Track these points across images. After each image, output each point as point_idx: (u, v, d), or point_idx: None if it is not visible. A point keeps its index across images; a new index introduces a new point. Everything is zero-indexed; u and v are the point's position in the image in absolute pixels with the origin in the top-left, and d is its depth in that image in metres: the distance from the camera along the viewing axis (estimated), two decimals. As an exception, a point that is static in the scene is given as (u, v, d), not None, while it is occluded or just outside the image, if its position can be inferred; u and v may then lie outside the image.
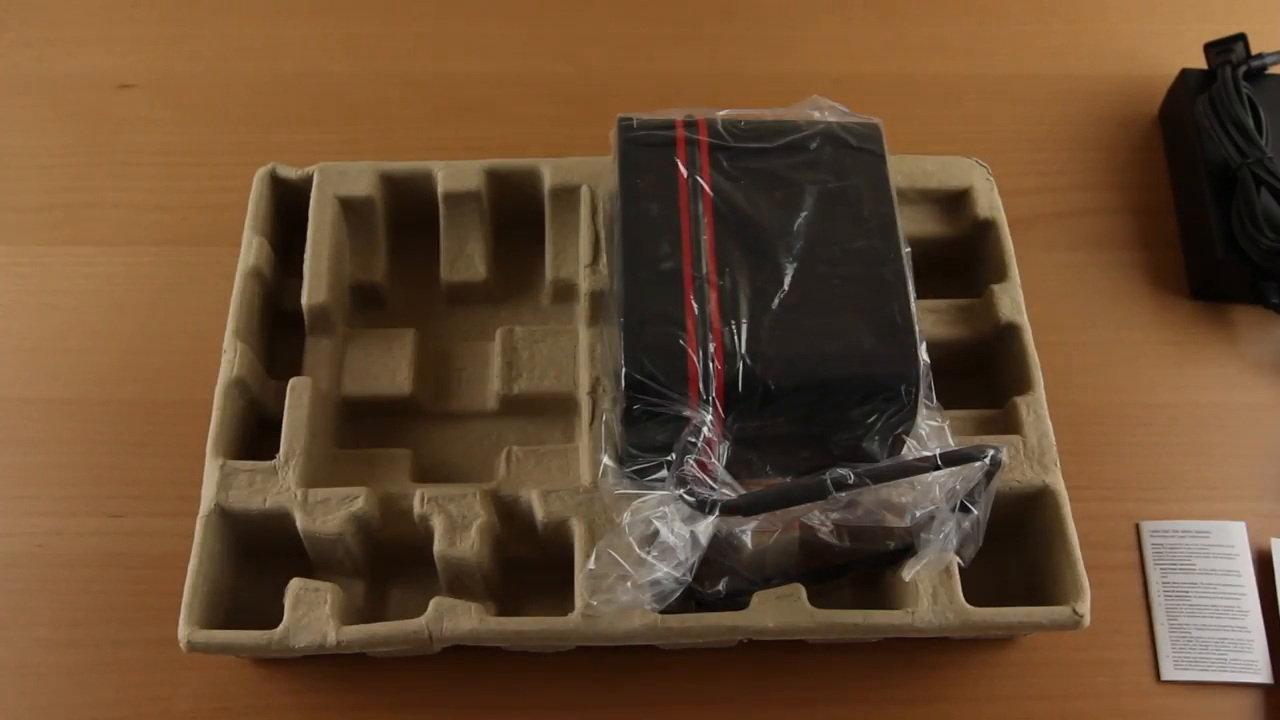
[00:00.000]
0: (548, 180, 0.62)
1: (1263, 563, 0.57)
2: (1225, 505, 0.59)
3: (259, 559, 0.55)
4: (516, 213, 0.64)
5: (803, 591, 0.51)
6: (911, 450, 0.50)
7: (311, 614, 0.50)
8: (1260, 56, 0.67)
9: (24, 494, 0.59)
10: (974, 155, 0.64)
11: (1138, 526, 0.58)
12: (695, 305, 0.49)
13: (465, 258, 0.63)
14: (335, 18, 0.76)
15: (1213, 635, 0.55)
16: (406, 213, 0.64)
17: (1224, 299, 0.65)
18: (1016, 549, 0.56)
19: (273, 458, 0.54)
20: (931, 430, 0.50)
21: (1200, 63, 0.69)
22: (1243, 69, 0.66)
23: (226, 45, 0.75)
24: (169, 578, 0.52)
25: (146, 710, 0.53)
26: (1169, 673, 0.55)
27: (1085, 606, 0.51)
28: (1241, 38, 0.67)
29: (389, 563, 0.55)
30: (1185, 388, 0.63)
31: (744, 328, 0.49)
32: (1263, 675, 0.55)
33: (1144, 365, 0.63)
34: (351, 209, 0.62)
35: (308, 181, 0.62)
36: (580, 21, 0.77)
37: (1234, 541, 0.57)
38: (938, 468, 0.46)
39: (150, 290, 0.65)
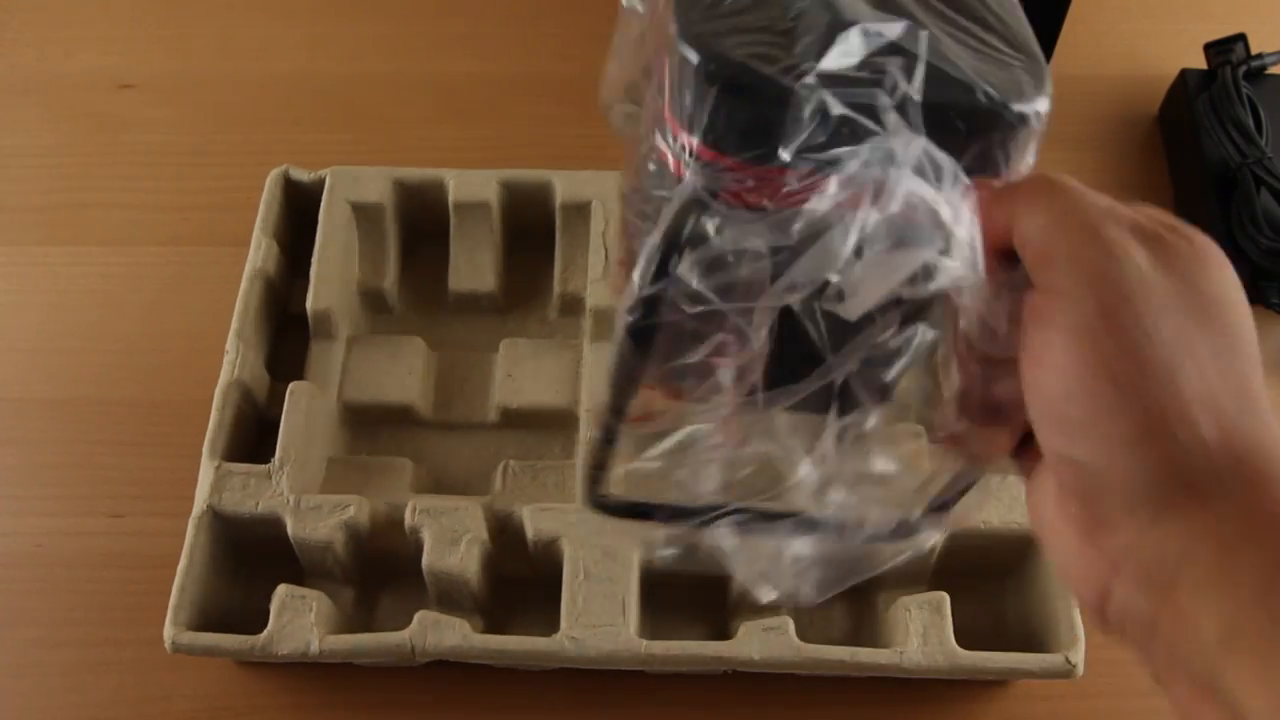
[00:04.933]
0: (559, 193, 0.61)
1: (1262, 564, 0.57)
2: (1224, 506, 0.59)
3: (251, 563, 0.55)
4: (527, 223, 0.63)
5: (790, 625, 0.50)
6: None
7: (296, 621, 0.50)
8: (1260, 56, 0.67)
9: (23, 494, 0.59)
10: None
11: (1137, 527, 0.58)
12: None
13: (474, 267, 0.62)
14: (335, 18, 0.76)
15: (1212, 636, 0.55)
16: (417, 219, 0.64)
17: (1224, 299, 0.65)
18: (1014, 589, 0.55)
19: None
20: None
21: (1200, 63, 0.69)
22: (1243, 69, 0.66)
23: (227, 45, 0.75)
24: (168, 578, 0.52)
25: (144, 711, 0.53)
26: (1168, 673, 0.54)
27: (1079, 655, 0.50)
28: (1241, 38, 0.67)
29: (380, 572, 0.55)
30: (1185, 388, 0.62)
31: None
32: (1262, 676, 0.54)
33: (1144, 366, 0.63)
34: (362, 214, 0.62)
35: (319, 184, 0.62)
36: (580, 21, 0.77)
37: (1233, 542, 0.57)
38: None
39: (151, 290, 0.65)
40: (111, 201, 0.68)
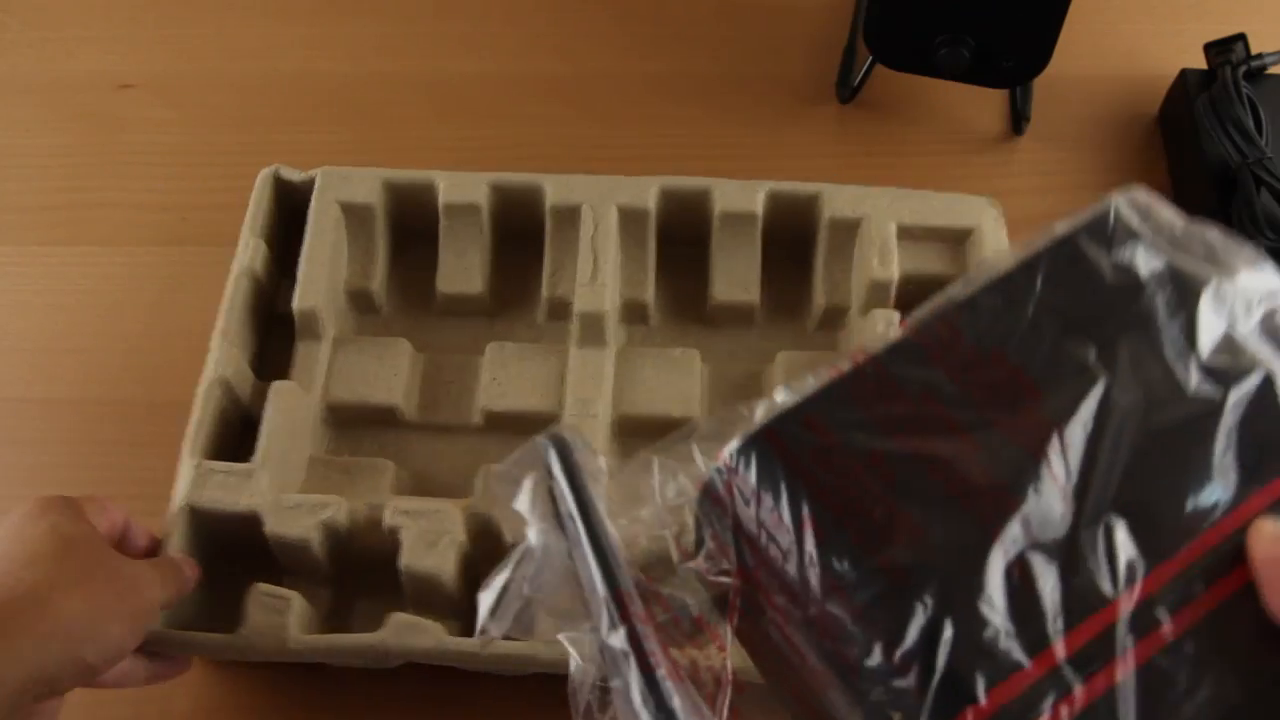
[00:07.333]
0: (549, 197, 0.61)
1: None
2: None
3: (231, 562, 0.54)
4: (517, 227, 0.63)
5: None
6: None
7: (270, 620, 0.50)
8: (1260, 56, 0.67)
9: (24, 494, 0.58)
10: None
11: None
12: None
13: (463, 269, 0.62)
14: (335, 18, 0.76)
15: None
16: (407, 220, 0.63)
17: (1223, 300, 0.65)
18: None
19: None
20: None
21: (1200, 63, 0.69)
22: (1243, 69, 0.66)
23: (226, 45, 0.75)
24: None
25: (145, 710, 0.53)
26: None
27: None
28: (1241, 38, 0.67)
29: (358, 572, 0.55)
30: (1184, 389, 0.62)
31: None
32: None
33: (1143, 366, 0.63)
34: (352, 214, 0.61)
35: (309, 184, 0.62)
36: (580, 21, 0.77)
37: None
38: None
39: (150, 290, 0.65)
40: (111, 201, 0.69)
